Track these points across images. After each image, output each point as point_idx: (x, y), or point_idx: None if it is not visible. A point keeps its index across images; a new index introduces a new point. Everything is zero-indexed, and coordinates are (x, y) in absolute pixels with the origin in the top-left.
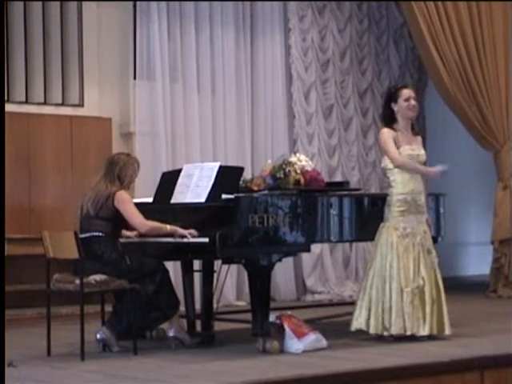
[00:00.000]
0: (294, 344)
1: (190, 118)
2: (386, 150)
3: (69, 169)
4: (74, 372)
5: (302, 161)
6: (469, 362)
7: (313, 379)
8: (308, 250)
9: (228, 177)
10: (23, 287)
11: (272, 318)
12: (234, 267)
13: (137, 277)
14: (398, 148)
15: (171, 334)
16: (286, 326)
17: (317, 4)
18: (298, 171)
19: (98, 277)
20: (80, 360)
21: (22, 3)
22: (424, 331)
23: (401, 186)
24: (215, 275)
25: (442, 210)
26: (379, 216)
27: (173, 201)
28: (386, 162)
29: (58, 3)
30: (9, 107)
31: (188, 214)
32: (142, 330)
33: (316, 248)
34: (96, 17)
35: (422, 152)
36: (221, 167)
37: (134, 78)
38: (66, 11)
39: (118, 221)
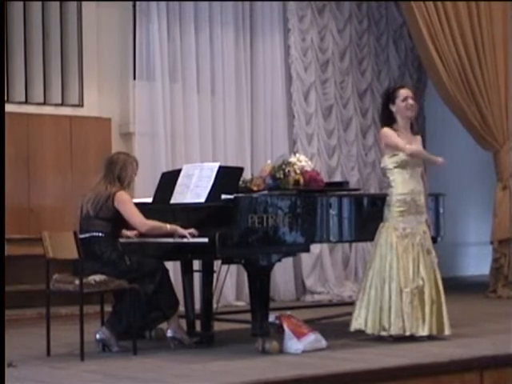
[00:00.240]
0: (294, 344)
1: (189, 118)
2: (394, 143)
3: (68, 169)
4: (73, 372)
5: (301, 161)
6: (468, 362)
7: (312, 379)
8: (307, 250)
9: (228, 177)
10: (23, 287)
11: (271, 318)
12: (233, 267)
13: (136, 277)
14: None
15: (169, 334)
16: (285, 326)
17: (316, 4)
18: (298, 171)
19: (98, 277)
20: (80, 360)
21: (21, 3)
22: (423, 331)
23: (400, 186)
24: (215, 275)
25: (441, 210)
26: (379, 216)
27: (172, 201)
28: (386, 162)
29: (58, 3)
30: (8, 107)
31: (188, 214)
32: (141, 330)
33: (315, 248)
34: (95, 17)
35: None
36: (220, 167)
37: (134, 78)
38: (65, 11)
39: (118, 221)
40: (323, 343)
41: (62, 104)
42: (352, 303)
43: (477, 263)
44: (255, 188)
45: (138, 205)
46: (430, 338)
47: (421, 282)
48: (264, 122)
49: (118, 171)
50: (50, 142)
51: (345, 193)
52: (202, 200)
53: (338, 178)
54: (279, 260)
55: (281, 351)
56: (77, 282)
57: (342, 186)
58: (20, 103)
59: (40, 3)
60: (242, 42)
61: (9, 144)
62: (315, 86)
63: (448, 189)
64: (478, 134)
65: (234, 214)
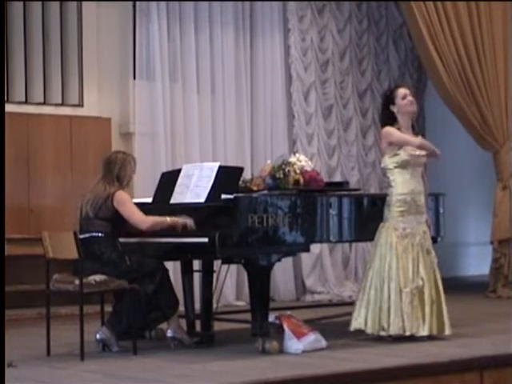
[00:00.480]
0: (294, 344)
1: (189, 118)
2: (401, 138)
3: (68, 169)
4: (73, 372)
5: (301, 161)
6: (468, 362)
7: (312, 379)
8: (307, 250)
9: (227, 177)
10: (23, 287)
11: (271, 318)
12: (233, 267)
13: (136, 277)
14: (399, 148)
15: (169, 334)
16: (285, 326)
17: (316, 4)
18: (298, 171)
19: (98, 277)
20: (80, 360)
21: (21, 3)
22: (423, 331)
23: (401, 186)
24: (215, 275)
25: (441, 210)
26: (379, 216)
27: (172, 201)
28: (387, 162)
29: (58, 3)
30: (8, 107)
31: (188, 214)
32: (141, 330)
33: (315, 248)
34: (95, 17)
35: (423, 153)
36: (220, 167)
37: (134, 78)
38: (65, 11)
39: (118, 221)
40: (323, 343)
41: (62, 104)
42: (352, 303)
43: (477, 263)
44: (255, 188)
45: (137, 205)
46: (430, 337)
47: (420, 282)
48: (264, 122)
49: (117, 171)
50: (50, 142)
51: (345, 193)
52: (202, 200)
53: (337, 178)
54: (279, 260)
55: (281, 351)
56: (77, 281)
57: (341, 185)
58: (20, 103)
59: (40, 3)
60: (242, 42)
61: (9, 144)
62: (315, 86)
63: (448, 189)
64: (478, 133)
65: (233, 213)
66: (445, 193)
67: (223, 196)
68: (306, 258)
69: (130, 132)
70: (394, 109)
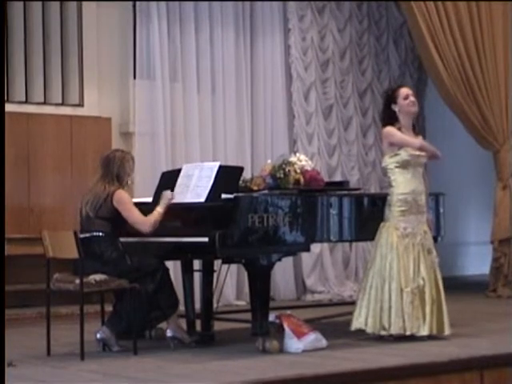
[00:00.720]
0: (294, 344)
1: (189, 117)
2: (401, 139)
3: (68, 168)
4: (73, 372)
5: (301, 160)
6: (468, 361)
7: (312, 379)
8: (308, 249)
9: (228, 176)
10: (23, 287)
11: (272, 317)
12: (233, 267)
13: (137, 276)
14: (400, 148)
15: (169, 333)
16: (285, 325)
17: (316, 4)
18: (298, 171)
19: (98, 276)
20: (80, 360)
21: (21, 3)
22: (424, 331)
23: (402, 185)
24: (215, 275)
25: (441, 210)
26: (379, 216)
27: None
28: (387, 162)
29: (58, 3)
30: (9, 107)
31: (188, 214)
32: (141, 330)
33: (316, 248)
34: (96, 17)
35: (423, 153)
36: (220, 167)
37: (134, 77)
38: (65, 11)
39: (118, 220)
40: (323, 343)
41: (63, 104)
42: (352, 303)
43: (477, 263)
44: (255, 187)
45: (137, 204)
46: (430, 337)
47: (421, 282)
48: (264, 121)
49: (117, 170)
50: (50, 142)
51: (345, 192)
52: (202, 200)
53: (338, 178)
54: (279, 259)
55: (281, 351)
56: (77, 281)
57: (342, 185)
58: (20, 103)
59: (40, 3)
60: (242, 42)
61: (9, 144)
62: (315, 86)
63: (448, 188)
64: (479, 133)
65: (234, 213)
66: (445, 192)
67: (223, 196)
68: (306, 257)
69: (130, 132)
70: (396, 108)
